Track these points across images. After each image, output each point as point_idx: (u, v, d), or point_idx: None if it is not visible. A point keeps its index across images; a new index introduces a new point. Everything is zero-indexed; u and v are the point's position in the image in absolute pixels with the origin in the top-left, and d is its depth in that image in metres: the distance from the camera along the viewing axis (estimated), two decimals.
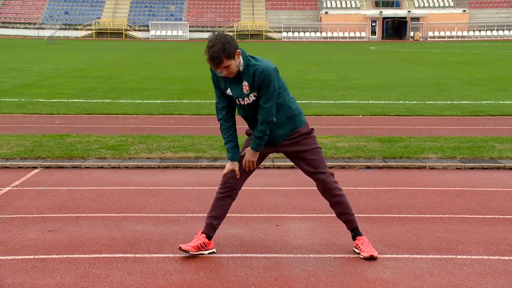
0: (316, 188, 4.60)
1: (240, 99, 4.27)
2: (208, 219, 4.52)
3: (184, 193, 6.37)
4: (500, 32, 73.87)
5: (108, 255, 4.53)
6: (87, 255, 4.53)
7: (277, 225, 5.29)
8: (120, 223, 5.34)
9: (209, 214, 4.53)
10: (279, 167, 7.56)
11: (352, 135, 9.58)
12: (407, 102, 14.51)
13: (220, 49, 4.02)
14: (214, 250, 4.57)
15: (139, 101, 14.58)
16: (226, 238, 4.93)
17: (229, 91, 4.29)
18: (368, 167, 7.63)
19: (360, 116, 12.29)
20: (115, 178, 7.06)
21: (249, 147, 4.39)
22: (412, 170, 7.52)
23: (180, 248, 4.45)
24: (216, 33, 4.16)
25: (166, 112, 12.60)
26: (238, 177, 4.42)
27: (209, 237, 4.51)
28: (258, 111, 4.23)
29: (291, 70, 25.08)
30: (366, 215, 5.60)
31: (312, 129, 4.52)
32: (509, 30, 73.95)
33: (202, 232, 4.53)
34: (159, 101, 14.47)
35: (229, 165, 4.42)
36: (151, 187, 6.63)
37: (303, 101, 14.54)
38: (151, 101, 14.58)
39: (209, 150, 8.29)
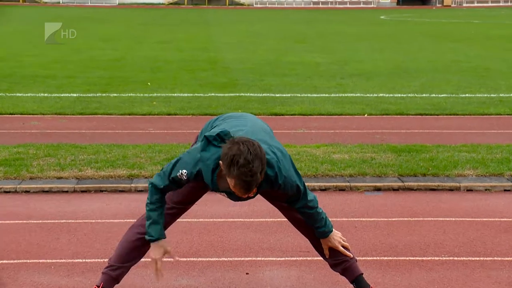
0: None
1: (237, 201, 4.45)
2: (116, 270, 4.59)
3: (111, 228, 6.32)
4: None
5: None
6: None
7: (247, 273, 5.29)
8: (17, 273, 5.27)
9: (118, 262, 4.59)
10: None
11: (354, 143, 9.62)
12: (433, 95, 14.65)
13: (258, 167, 3.94)
14: None
15: (45, 94, 14.45)
16: None
17: (221, 193, 4.38)
18: (378, 189, 7.68)
19: (365, 115, 12.37)
20: (9, 208, 6.98)
21: (329, 234, 4.53)
22: (441, 193, 7.58)
23: None
24: (239, 141, 3.97)
25: (86, 111, 12.51)
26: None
27: None
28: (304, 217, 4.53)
29: (266, 49, 25.11)
30: (375, 258, 5.63)
31: None
32: None
33: None
34: (74, 95, 14.37)
35: (158, 251, 4.37)
36: (63, 220, 6.57)
37: (283, 94, 14.58)
38: (62, 94, 14.47)
39: (148, 165, 8.26)
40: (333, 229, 4.55)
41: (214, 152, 4.11)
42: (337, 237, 4.56)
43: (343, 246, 4.58)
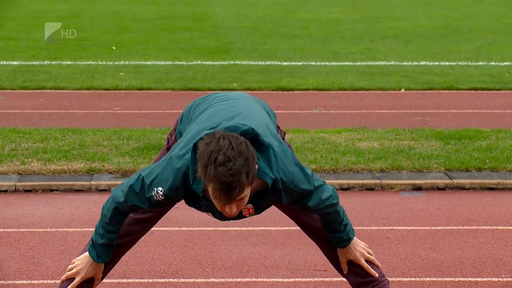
0: None
1: (224, 221, 4.44)
2: None
3: (65, 240, 6.33)
4: None
5: None
6: None
7: None
8: None
9: None
10: None
11: (387, 128, 9.63)
12: (493, 63, 14.64)
13: (243, 166, 3.83)
14: None
15: None
16: None
17: (207, 213, 4.37)
18: (417, 188, 7.71)
19: (402, 90, 12.39)
20: None
21: (349, 242, 4.48)
22: (502, 194, 7.59)
23: None
24: (219, 134, 3.88)
25: (30, 85, 12.48)
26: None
27: None
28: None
29: (270, 3, 24.99)
30: (414, 278, 5.65)
31: (284, 132, 4.63)
32: None
33: None
34: (14, 63, 14.38)
35: (91, 270, 4.40)
36: (1, 229, 6.57)
37: (292, 63, 14.54)
38: None
39: (113, 156, 8.27)
40: (355, 237, 4.49)
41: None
42: (359, 248, 4.49)
43: (367, 261, 4.51)
